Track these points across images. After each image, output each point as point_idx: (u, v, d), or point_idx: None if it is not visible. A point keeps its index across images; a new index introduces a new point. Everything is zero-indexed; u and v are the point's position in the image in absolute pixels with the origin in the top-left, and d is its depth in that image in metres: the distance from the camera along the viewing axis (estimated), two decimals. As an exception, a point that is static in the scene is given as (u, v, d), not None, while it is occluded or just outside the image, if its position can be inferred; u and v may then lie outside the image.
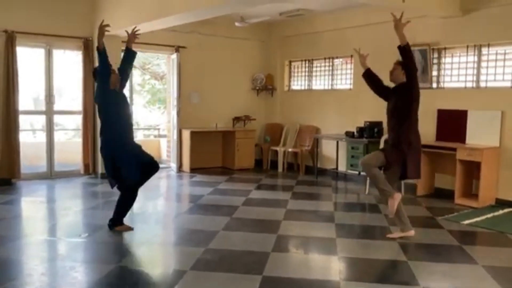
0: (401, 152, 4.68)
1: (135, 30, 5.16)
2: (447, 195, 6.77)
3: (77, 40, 7.99)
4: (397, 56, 4.74)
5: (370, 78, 5.02)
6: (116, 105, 4.88)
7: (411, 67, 4.69)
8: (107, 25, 4.74)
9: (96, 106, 5.23)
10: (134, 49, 5.24)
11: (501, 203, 6.36)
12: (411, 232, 4.82)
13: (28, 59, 8.71)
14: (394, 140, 4.76)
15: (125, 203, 5.07)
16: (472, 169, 6.47)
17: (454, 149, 6.43)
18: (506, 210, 6.12)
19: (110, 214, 5.62)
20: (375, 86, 5.02)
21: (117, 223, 5.03)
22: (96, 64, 5.35)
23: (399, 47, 4.63)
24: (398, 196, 4.67)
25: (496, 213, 5.97)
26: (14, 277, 3.72)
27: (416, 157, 4.79)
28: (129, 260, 4.22)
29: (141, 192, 7.29)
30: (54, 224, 5.54)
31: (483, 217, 5.75)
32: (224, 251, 4.40)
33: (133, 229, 5.03)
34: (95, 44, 7.82)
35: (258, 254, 4.32)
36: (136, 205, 6.67)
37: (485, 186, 6.29)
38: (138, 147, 5.05)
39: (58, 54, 8.26)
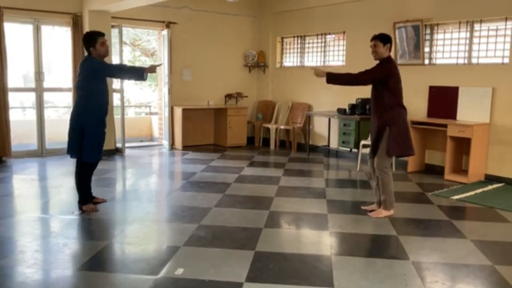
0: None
1: (158, 65, 5.42)
2: (437, 171, 6.86)
3: (66, 16, 7.85)
4: (389, 31, 4.67)
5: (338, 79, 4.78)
6: None
7: (358, 81, 4.66)
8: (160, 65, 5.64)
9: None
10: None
11: (490, 179, 6.45)
12: (391, 212, 4.79)
13: (17, 36, 8.55)
14: None
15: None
16: (462, 145, 6.54)
17: (445, 126, 6.48)
18: (495, 186, 6.21)
19: (102, 191, 5.65)
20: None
21: (81, 203, 4.93)
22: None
23: (328, 82, 4.61)
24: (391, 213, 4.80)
25: (485, 189, 6.06)
26: (7, 255, 3.73)
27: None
28: (122, 236, 4.24)
29: (134, 169, 7.37)
30: (46, 202, 5.53)
31: (473, 193, 5.83)
32: (217, 227, 4.44)
33: (98, 210, 4.89)
34: (85, 20, 7.83)
35: (251, 230, 4.36)
36: (129, 183, 6.74)
37: (475, 162, 6.36)
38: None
39: (47, 30, 8.12)
